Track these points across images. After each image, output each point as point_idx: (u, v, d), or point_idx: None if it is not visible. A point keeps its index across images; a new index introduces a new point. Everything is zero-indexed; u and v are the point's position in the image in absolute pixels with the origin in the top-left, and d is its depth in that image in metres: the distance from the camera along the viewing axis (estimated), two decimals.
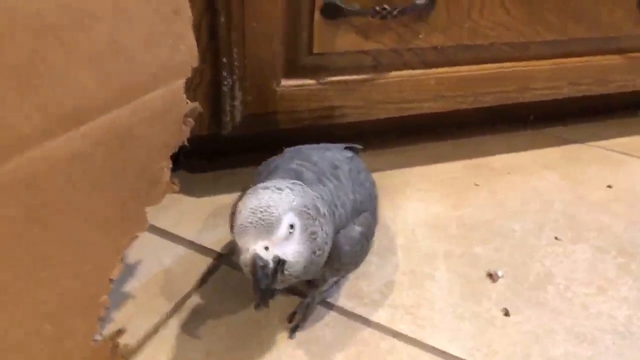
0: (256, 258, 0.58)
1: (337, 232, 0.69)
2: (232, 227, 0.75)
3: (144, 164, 0.64)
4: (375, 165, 1.11)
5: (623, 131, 1.35)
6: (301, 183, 0.66)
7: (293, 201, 0.62)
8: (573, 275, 0.90)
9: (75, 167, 0.55)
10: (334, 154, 0.79)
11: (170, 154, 0.68)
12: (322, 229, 0.64)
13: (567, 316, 0.83)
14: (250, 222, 0.59)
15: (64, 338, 0.59)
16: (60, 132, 0.52)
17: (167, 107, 0.65)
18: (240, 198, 0.72)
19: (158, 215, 0.99)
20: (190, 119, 0.70)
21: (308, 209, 0.63)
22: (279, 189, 0.62)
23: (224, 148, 1.11)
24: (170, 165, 0.68)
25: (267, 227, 0.58)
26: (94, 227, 0.60)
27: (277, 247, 0.59)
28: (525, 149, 1.26)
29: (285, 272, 0.60)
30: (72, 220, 0.57)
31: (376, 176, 0.86)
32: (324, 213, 0.66)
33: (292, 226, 0.60)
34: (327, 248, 0.66)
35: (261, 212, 0.59)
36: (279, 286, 0.65)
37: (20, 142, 0.49)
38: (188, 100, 0.69)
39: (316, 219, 0.63)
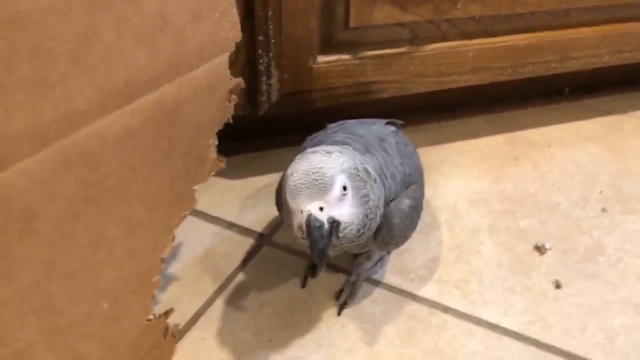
0: (312, 219, 0.56)
1: (386, 204, 0.68)
2: (278, 203, 0.74)
3: (192, 141, 0.63)
4: (413, 141, 1.09)
5: None
6: (349, 148, 0.65)
7: (343, 163, 0.61)
8: (624, 246, 0.88)
9: (126, 144, 0.54)
10: (379, 127, 0.78)
11: (216, 130, 0.67)
12: (373, 192, 0.63)
13: (621, 287, 0.80)
14: (303, 184, 0.58)
15: (120, 317, 0.59)
16: (112, 108, 0.52)
17: (212, 83, 0.64)
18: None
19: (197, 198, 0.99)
20: (234, 96, 0.69)
21: (358, 171, 0.62)
22: (328, 152, 0.62)
23: (258, 129, 1.09)
24: (217, 142, 0.67)
25: (321, 187, 0.57)
26: (145, 205, 0.59)
27: (331, 208, 0.58)
28: (563, 121, 1.22)
29: (340, 234, 0.59)
30: (125, 199, 0.56)
31: None
32: (375, 178, 0.65)
33: (344, 188, 0.59)
34: (380, 213, 0.65)
35: (314, 173, 0.58)
36: (334, 252, 0.64)
37: (76, 118, 0.48)
38: (232, 77, 0.67)
39: (367, 182, 0.62)
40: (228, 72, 0.66)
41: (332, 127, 0.78)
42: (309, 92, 0.93)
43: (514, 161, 1.09)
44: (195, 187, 0.66)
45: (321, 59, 0.91)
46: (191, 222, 0.93)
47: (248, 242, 0.89)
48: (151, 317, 0.65)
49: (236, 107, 0.95)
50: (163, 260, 0.63)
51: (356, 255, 0.81)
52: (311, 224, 0.56)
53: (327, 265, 0.83)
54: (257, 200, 0.98)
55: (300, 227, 0.59)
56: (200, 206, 0.97)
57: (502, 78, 1.04)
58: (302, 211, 0.58)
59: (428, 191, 0.98)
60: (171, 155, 0.61)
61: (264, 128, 1.08)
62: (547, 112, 1.26)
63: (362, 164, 0.64)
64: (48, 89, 0.46)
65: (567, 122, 1.23)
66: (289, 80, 0.90)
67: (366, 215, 0.62)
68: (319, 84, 0.93)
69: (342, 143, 0.69)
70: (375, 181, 0.65)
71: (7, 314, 0.47)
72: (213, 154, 0.67)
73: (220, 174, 1.05)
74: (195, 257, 0.86)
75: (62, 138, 0.48)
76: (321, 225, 0.57)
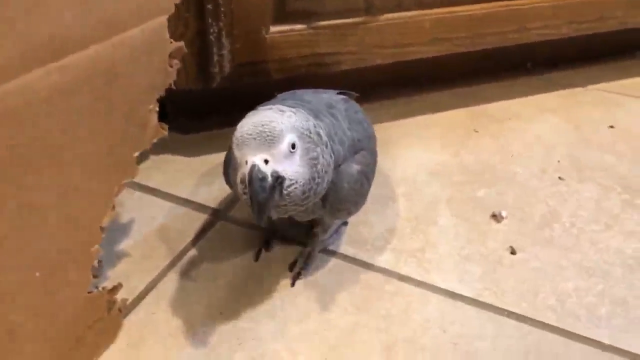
0: (255, 170, 0.55)
1: (335, 169, 0.66)
2: (225, 173, 0.72)
3: (131, 105, 0.60)
4: (374, 117, 1.07)
5: (622, 73, 1.32)
6: (303, 111, 0.64)
7: (295, 122, 0.59)
8: (579, 212, 0.88)
9: (56, 104, 0.51)
10: (330, 95, 0.76)
11: (157, 96, 0.65)
12: (322, 157, 0.62)
13: (575, 252, 0.81)
14: (250, 135, 0.56)
15: (57, 287, 0.57)
16: (37, 64, 0.49)
17: (150, 45, 0.61)
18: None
19: (151, 175, 0.96)
20: (176, 61, 0.67)
21: (310, 132, 0.60)
22: (282, 110, 0.60)
23: (215, 106, 1.07)
24: (157, 108, 0.65)
25: (268, 140, 0.56)
26: (82, 171, 0.56)
27: (277, 162, 0.56)
28: (525, 95, 1.23)
29: (284, 191, 0.58)
30: (58, 162, 0.54)
31: (375, 128, 0.82)
32: (326, 142, 0.63)
33: (293, 146, 0.58)
34: (327, 178, 0.63)
35: (263, 125, 0.56)
36: (278, 213, 0.62)
37: None
38: (172, 40, 0.65)
39: (318, 145, 0.61)
40: (167, 35, 0.64)
41: (281, 95, 0.77)
42: (263, 63, 0.91)
43: (474, 134, 1.09)
44: (136, 154, 0.63)
45: (274, 28, 0.89)
46: (145, 199, 0.91)
47: (203, 218, 0.87)
48: (94, 289, 0.63)
49: (189, 80, 0.93)
50: (103, 229, 0.61)
51: (312, 227, 0.80)
52: (254, 174, 0.55)
53: (282, 238, 0.82)
54: (213, 177, 0.96)
55: (243, 180, 0.57)
56: (155, 183, 0.94)
57: (461, 49, 1.04)
58: (246, 162, 0.56)
59: (388, 164, 0.98)
60: (109, 119, 0.58)
61: (222, 105, 1.06)
62: (509, 86, 1.27)
63: (315, 127, 0.62)
64: None
65: (528, 96, 1.23)
66: (241, 51, 0.88)
67: (313, 178, 0.60)
68: (274, 54, 0.91)
69: (289, 107, 0.67)
70: (326, 145, 0.63)
71: None
72: (154, 120, 0.65)
73: (179, 151, 1.04)
74: (148, 234, 0.84)
75: None
76: (264, 178, 0.55)
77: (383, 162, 0.98)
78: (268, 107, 0.62)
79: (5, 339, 0.53)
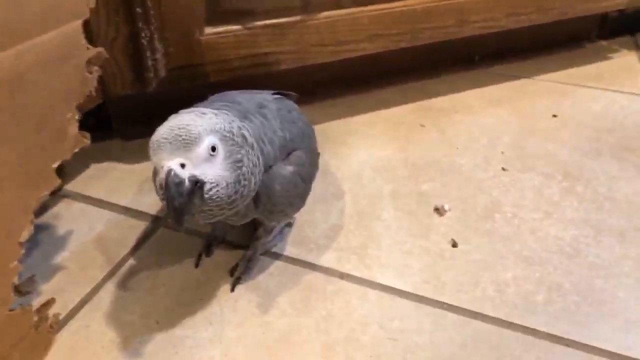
0: (171, 174, 0.53)
1: (266, 170, 0.65)
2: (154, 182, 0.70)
3: (43, 115, 0.59)
4: (318, 116, 1.07)
5: (568, 63, 1.34)
6: (228, 112, 0.62)
7: (217, 124, 0.58)
8: (520, 202, 0.89)
9: None
10: (262, 95, 0.75)
11: (76, 103, 0.63)
12: (248, 158, 0.60)
13: (515, 242, 0.81)
14: (166, 139, 0.55)
15: None
16: None
17: (63, 52, 0.60)
18: None
19: (91, 184, 0.94)
20: (96, 67, 0.65)
21: (233, 135, 0.59)
22: (203, 113, 0.59)
23: (157, 111, 1.05)
24: (77, 117, 0.63)
25: (184, 143, 0.54)
26: None
27: (195, 166, 0.55)
28: (471, 88, 1.24)
29: (205, 195, 0.56)
30: None
31: (320, 128, 0.82)
32: (252, 143, 0.62)
33: (213, 148, 0.56)
34: (255, 180, 0.62)
35: (179, 128, 0.55)
36: (203, 218, 0.61)
37: None
38: (89, 46, 0.63)
39: (242, 146, 0.59)
40: (83, 40, 0.62)
41: (212, 98, 0.75)
42: (200, 66, 0.90)
43: (420, 128, 1.09)
44: (55, 164, 0.61)
45: (209, 30, 0.88)
46: (85, 209, 0.89)
47: (143, 226, 0.85)
48: (17, 307, 0.61)
49: (125, 85, 0.91)
50: (22, 244, 0.59)
51: (255, 230, 0.79)
52: (169, 180, 0.53)
53: (224, 242, 0.81)
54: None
55: (161, 186, 0.55)
56: (94, 193, 0.92)
57: (403, 45, 1.04)
58: (162, 167, 0.54)
59: (333, 163, 0.98)
60: (19, 129, 0.56)
61: (163, 110, 1.04)
62: (457, 80, 1.27)
63: (239, 129, 0.61)
64: None
65: (475, 89, 1.24)
66: (175, 54, 0.87)
67: (238, 181, 0.59)
68: (210, 56, 0.90)
69: (217, 109, 0.65)
70: (252, 147, 0.62)
71: None
72: (74, 129, 0.63)
73: (121, 159, 1.02)
74: (86, 245, 0.82)
75: None
76: (180, 182, 0.54)
77: (329, 160, 0.98)
78: (189, 110, 0.61)
79: None
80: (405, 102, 1.18)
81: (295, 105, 0.79)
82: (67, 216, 0.87)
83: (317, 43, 0.96)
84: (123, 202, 0.90)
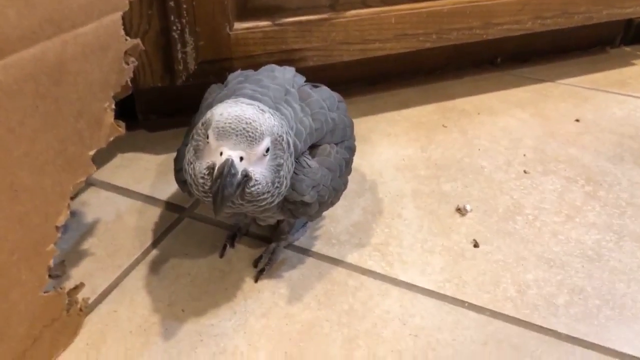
0: (230, 164, 0.55)
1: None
2: (175, 171, 0.71)
3: (83, 103, 0.60)
4: None
5: (591, 67, 1.34)
6: (279, 114, 0.63)
7: (274, 127, 0.59)
8: (542, 205, 0.89)
9: (3, 99, 0.51)
10: (283, 74, 0.74)
11: (113, 93, 0.64)
12: (287, 164, 0.62)
13: (536, 244, 0.82)
14: (234, 129, 0.56)
15: (9, 288, 0.56)
16: None
17: (103, 43, 0.61)
18: (190, 131, 0.69)
19: (119, 173, 0.96)
20: (132, 58, 0.67)
21: (282, 140, 0.60)
22: (262, 109, 0.60)
23: (183, 104, 1.06)
24: (113, 106, 0.65)
25: (249, 139, 0.56)
26: (32, 170, 0.56)
27: (250, 162, 0.57)
28: (494, 90, 1.24)
29: (247, 190, 0.58)
30: (5, 162, 0.53)
31: None
32: (292, 152, 0.63)
33: (267, 150, 0.58)
34: (286, 184, 0.63)
35: (247, 123, 0.57)
36: (230, 208, 0.62)
37: None
38: (127, 37, 0.65)
39: (285, 152, 0.61)
40: (122, 32, 0.63)
41: (234, 77, 0.75)
42: (228, 60, 0.91)
43: (442, 129, 1.10)
44: (91, 152, 0.63)
45: (238, 25, 0.89)
46: (112, 197, 0.91)
47: (168, 216, 0.87)
48: (51, 289, 0.63)
49: (154, 77, 0.93)
50: (58, 228, 0.60)
51: (277, 223, 0.80)
52: (226, 169, 0.55)
53: (248, 234, 0.82)
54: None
55: (209, 168, 0.57)
56: (121, 182, 0.94)
57: (428, 45, 1.04)
58: (221, 153, 0.56)
59: (356, 160, 0.97)
60: (58, 117, 0.58)
61: (189, 102, 1.05)
62: (479, 81, 1.28)
63: (287, 134, 0.63)
64: None
65: (497, 91, 1.25)
66: (205, 48, 0.88)
67: (273, 182, 0.61)
68: (238, 51, 0.91)
69: (251, 98, 0.66)
70: (291, 154, 0.63)
71: None
72: (110, 118, 0.64)
73: (146, 149, 1.04)
74: (113, 233, 0.83)
75: None
76: (235, 174, 0.55)
77: None
78: (248, 101, 0.61)
79: None
80: (428, 102, 1.18)
81: (334, 94, 0.78)
82: (94, 203, 0.89)
83: (344, 41, 0.97)
84: (148, 192, 0.92)
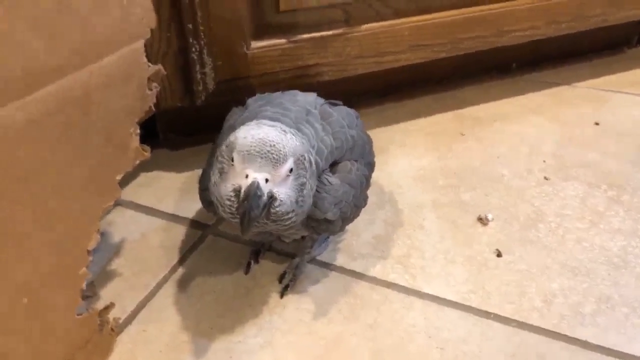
0: (256, 186, 0.56)
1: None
2: (200, 191, 0.73)
3: (109, 131, 0.62)
4: None
5: (608, 69, 1.33)
6: (300, 134, 0.65)
7: (296, 147, 0.61)
8: (564, 212, 0.89)
9: (31, 134, 0.53)
10: (305, 98, 0.76)
11: (137, 119, 0.66)
12: (309, 183, 0.63)
13: (560, 252, 0.81)
14: (258, 152, 0.58)
15: (45, 311, 0.58)
16: (11, 98, 0.50)
17: (127, 71, 0.63)
18: (215, 149, 0.70)
19: (142, 192, 0.98)
20: (155, 84, 0.69)
21: (304, 159, 0.62)
22: (284, 130, 0.62)
23: (203, 123, 1.08)
24: (138, 131, 0.66)
25: (273, 162, 0.58)
26: (63, 197, 0.58)
27: (274, 184, 0.59)
28: (510, 96, 1.24)
29: (272, 210, 0.59)
30: (37, 191, 0.55)
31: None
32: (314, 170, 0.65)
33: (291, 170, 0.60)
34: (309, 202, 0.64)
35: (271, 145, 0.58)
36: (259, 228, 0.63)
37: None
38: (149, 64, 0.66)
39: (307, 171, 0.62)
40: (144, 59, 0.65)
41: (253, 101, 0.76)
42: (246, 79, 0.93)
43: (459, 137, 1.10)
44: (118, 177, 0.65)
45: (255, 44, 0.91)
46: (136, 217, 0.93)
47: (192, 234, 0.88)
48: (83, 311, 0.65)
49: (174, 98, 0.95)
50: (89, 252, 0.62)
51: (300, 239, 0.81)
52: (253, 191, 0.56)
53: (271, 250, 0.84)
54: None
55: (235, 190, 0.58)
56: (144, 201, 0.96)
57: (442, 54, 1.05)
58: (247, 176, 0.57)
59: (374, 172, 0.99)
60: (86, 145, 0.59)
61: (209, 121, 1.07)
62: (494, 88, 1.28)
63: (309, 153, 0.64)
64: None
65: (513, 97, 1.24)
66: (223, 68, 0.90)
67: (297, 201, 0.62)
68: (256, 69, 0.92)
69: (272, 119, 0.67)
70: (313, 173, 0.65)
71: None
72: (135, 142, 0.66)
73: (167, 167, 1.06)
74: (138, 252, 0.85)
75: None
76: (261, 196, 0.57)
77: None
78: (270, 123, 0.63)
79: None
80: (443, 111, 1.18)
81: (352, 112, 0.79)
82: (119, 223, 0.91)
83: (359, 55, 0.98)
84: (171, 210, 0.93)
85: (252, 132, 0.59)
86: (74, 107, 0.57)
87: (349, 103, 0.87)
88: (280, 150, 0.58)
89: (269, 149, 0.58)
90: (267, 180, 0.58)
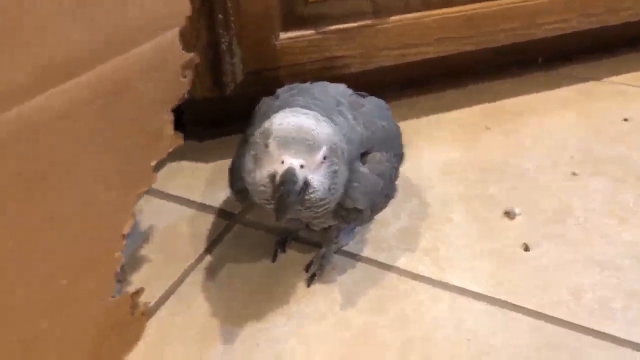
0: (291, 172, 0.57)
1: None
2: (231, 180, 0.74)
3: (145, 117, 0.63)
4: None
5: (637, 65, 1.30)
6: (332, 123, 0.65)
7: (330, 135, 0.61)
8: (592, 206, 0.88)
9: (72, 120, 0.54)
10: (336, 88, 0.76)
11: (171, 106, 0.67)
12: (341, 171, 0.63)
13: (588, 246, 0.81)
14: (294, 138, 0.58)
15: (81, 294, 0.60)
16: (53, 84, 0.52)
17: (162, 59, 0.64)
18: (242, 143, 0.71)
19: (169, 182, 0.99)
20: (188, 71, 0.69)
21: (337, 147, 0.62)
22: (318, 118, 0.62)
23: (228, 113, 1.09)
24: (172, 118, 0.67)
25: (309, 148, 0.58)
26: (99, 183, 0.59)
27: (309, 170, 0.59)
28: (537, 90, 1.22)
29: (306, 197, 0.60)
30: (76, 176, 0.56)
31: None
32: (346, 157, 0.65)
33: (325, 157, 0.60)
34: (340, 190, 0.65)
35: (306, 132, 0.59)
36: (291, 214, 0.63)
37: (16, 93, 0.48)
38: (184, 52, 0.67)
39: (340, 159, 0.63)
40: (179, 47, 0.66)
41: (284, 91, 0.76)
42: (274, 70, 0.93)
43: (486, 131, 1.09)
44: (153, 163, 0.66)
45: (284, 35, 0.91)
46: (163, 205, 0.94)
47: (219, 222, 0.89)
48: (116, 295, 0.66)
49: (203, 89, 0.96)
50: (124, 236, 0.64)
51: (327, 228, 0.81)
52: (289, 177, 0.57)
53: (297, 239, 0.84)
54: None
55: (270, 176, 0.59)
56: (173, 189, 0.97)
57: (469, 47, 1.04)
58: (282, 162, 0.58)
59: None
60: (122, 132, 0.61)
61: (235, 112, 1.08)
62: (521, 82, 1.26)
63: (341, 141, 0.64)
64: None
65: (541, 91, 1.23)
66: (252, 59, 0.90)
67: (329, 189, 0.62)
68: (284, 60, 0.93)
69: (304, 107, 0.67)
70: (345, 162, 0.65)
71: None
72: (169, 130, 0.67)
73: (195, 158, 1.07)
74: (167, 239, 0.86)
75: (2, 112, 0.48)
76: (296, 182, 0.57)
77: None
78: (304, 111, 0.63)
79: (34, 343, 0.56)
80: (470, 104, 1.18)
81: (382, 103, 0.80)
82: (148, 211, 0.92)
83: (385, 46, 0.98)
84: (198, 199, 0.94)
85: (288, 119, 0.60)
86: (112, 93, 0.58)
87: (374, 95, 0.87)
88: (316, 138, 0.59)
89: (304, 135, 0.58)
90: (302, 167, 0.58)
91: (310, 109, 0.66)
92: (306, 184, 0.59)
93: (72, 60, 0.53)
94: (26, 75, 0.49)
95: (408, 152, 1.02)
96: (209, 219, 0.90)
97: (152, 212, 0.92)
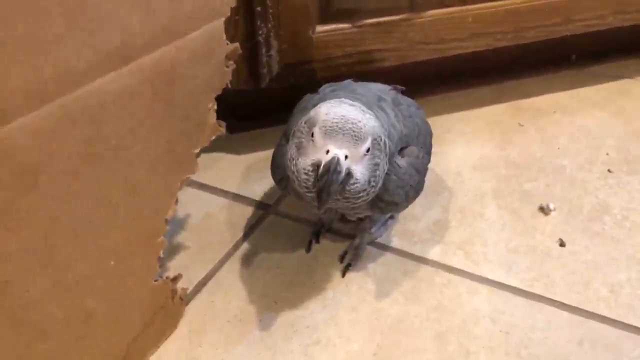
0: (336, 161, 0.57)
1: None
2: (274, 169, 0.74)
3: (190, 105, 0.64)
4: None
5: None
6: (379, 117, 0.66)
7: (374, 127, 0.62)
8: (630, 205, 0.87)
9: (125, 105, 0.55)
10: (377, 86, 0.77)
11: (215, 95, 0.68)
12: (382, 164, 0.64)
13: (627, 244, 0.80)
14: (340, 129, 0.59)
15: (126, 276, 0.61)
16: (110, 68, 0.53)
17: (208, 47, 0.65)
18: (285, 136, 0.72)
19: (203, 173, 0.99)
20: (231, 61, 0.70)
21: (380, 140, 0.63)
22: (364, 110, 0.63)
23: (262, 106, 1.10)
24: (215, 107, 0.69)
25: (355, 139, 0.59)
26: (146, 167, 0.61)
27: (353, 161, 0.60)
28: (570, 88, 1.21)
29: (347, 187, 0.60)
30: (126, 160, 0.58)
31: None
32: (387, 152, 0.66)
33: (368, 149, 0.61)
34: (379, 183, 0.65)
35: (352, 123, 0.59)
36: (331, 204, 0.64)
37: (76, 76, 0.50)
38: (228, 42, 0.68)
39: (382, 152, 0.63)
40: (224, 37, 0.67)
41: (327, 87, 0.77)
42: (310, 63, 0.94)
43: (519, 128, 1.08)
44: (196, 150, 0.67)
45: (320, 28, 0.92)
46: (198, 194, 0.95)
47: (254, 213, 0.90)
48: (158, 279, 0.67)
49: (239, 80, 0.97)
50: (167, 221, 0.65)
51: (360, 220, 0.82)
52: (333, 166, 0.57)
53: (331, 231, 0.85)
54: (262, 173, 0.99)
55: (314, 165, 0.59)
56: (207, 180, 0.98)
57: (504, 43, 1.03)
58: (327, 151, 0.58)
59: (432, 158, 0.99)
60: (169, 118, 0.62)
61: (268, 104, 1.09)
62: (553, 79, 1.25)
63: (384, 134, 0.65)
64: (45, 47, 0.47)
65: (574, 89, 1.21)
66: (288, 51, 0.91)
67: (369, 181, 0.63)
68: (319, 54, 0.93)
69: None
70: (387, 155, 0.65)
71: (14, 266, 0.49)
72: (212, 118, 0.68)
73: (228, 149, 1.08)
74: (203, 228, 0.88)
75: (62, 95, 0.49)
76: (340, 172, 0.58)
77: None
78: (350, 102, 0.64)
79: (82, 322, 0.58)
80: (501, 101, 1.17)
81: (413, 102, 0.81)
82: (183, 200, 0.92)
83: (421, 41, 0.98)
84: (233, 190, 0.96)
85: (334, 110, 0.61)
86: (161, 80, 0.59)
87: (407, 89, 0.87)
88: (361, 129, 0.59)
89: (350, 126, 0.59)
90: (346, 157, 0.59)
91: (372, 110, 0.66)
92: (349, 175, 0.60)
93: (129, 45, 0.54)
94: (86, 59, 0.50)
95: (441, 148, 1.03)
96: (243, 209, 0.91)
97: (188, 202, 0.93)
